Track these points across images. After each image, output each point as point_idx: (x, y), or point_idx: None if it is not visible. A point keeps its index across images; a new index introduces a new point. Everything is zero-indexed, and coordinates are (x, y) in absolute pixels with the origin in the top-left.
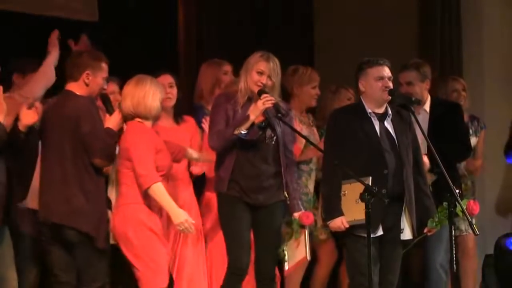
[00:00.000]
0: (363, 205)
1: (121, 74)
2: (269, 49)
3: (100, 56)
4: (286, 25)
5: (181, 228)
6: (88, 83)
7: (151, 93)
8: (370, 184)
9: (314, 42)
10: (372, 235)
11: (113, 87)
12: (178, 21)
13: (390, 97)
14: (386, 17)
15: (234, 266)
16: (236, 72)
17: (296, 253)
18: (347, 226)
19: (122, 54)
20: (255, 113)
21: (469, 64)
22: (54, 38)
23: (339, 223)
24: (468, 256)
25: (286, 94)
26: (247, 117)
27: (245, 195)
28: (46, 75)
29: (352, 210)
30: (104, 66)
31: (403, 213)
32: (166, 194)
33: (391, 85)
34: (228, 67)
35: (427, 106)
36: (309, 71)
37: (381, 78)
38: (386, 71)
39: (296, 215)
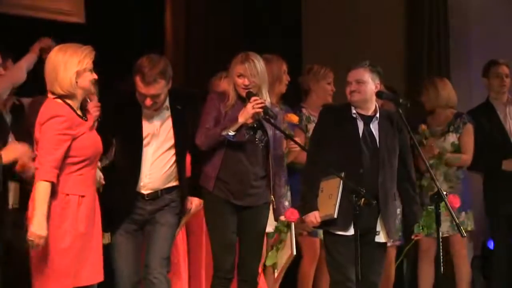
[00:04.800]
0: (334, 199)
1: (107, 76)
2: (259, 49)
3: None
4: (274, 26)
5: (30, 239)
6: None
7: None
8: (341, 181)
9: (302, 41)
10: (345, 233)
11: None
12: (165, 23)
13: (355, 99)
14: (374, 17)
15: (221, 269)
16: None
17: (282, 254)
18: (319, 220)
19: (109, 56)
20: (244, 117)
21: (456, 62)
22: (39, 44)
23: (312, 217)
24: (456, 256)
25: (303, 92)
26: (236, 120)
27: (231, 196)
28: (15, 74)
29: (325, 205)
30: None
31: (379, 215)
32: (45, 198)
33: (354, 88)
34: None
35: None
36: (323, 69)
37: (349, 82)
38: (352, 75)
39: (282, 218)
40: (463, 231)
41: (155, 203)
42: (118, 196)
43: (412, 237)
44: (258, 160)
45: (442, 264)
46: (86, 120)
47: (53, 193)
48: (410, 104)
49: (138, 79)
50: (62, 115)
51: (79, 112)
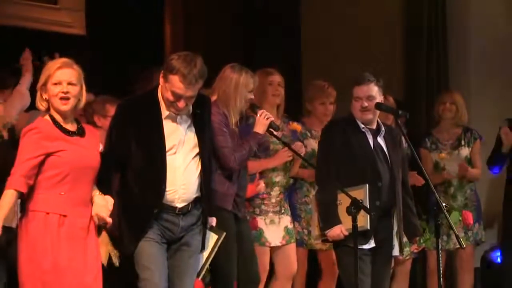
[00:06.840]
0: (360, 212)
1: (107, 87)
2: (259, 50)
3: None
4: (274, 26)
5: None
6: None
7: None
8: (367, 192)
9: (301, 42)
10: (365, 246)
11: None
12: (165, 34)
13: (368, 117)
14: (372, 20)
15: None
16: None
17: None
18: (346, 234)
19: (109, 67)
20: (262, 129)
21: (455, 74)
22: (28, 60)
23: (338, 231)
24: (463, 269)
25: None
26: (258, 134)
27: (237, 209)
28: (21, 98)
29: (347, 217)
30: None
31: (394, 228)
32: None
33: (366, 104)
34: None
35: None
36: (318, 87)
37: (359, 98)
38: (363, 91)
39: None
40: (463, 242)
41: (185, 218)
42: (147, 210)
43: (412, 249)
44: (245, 172)
45: (442, 277)
46: (79, 135)
47: (32, 211)
48: (409, 116)
49: (177, 80)
50: (36, 127)
51: (67, 127)
